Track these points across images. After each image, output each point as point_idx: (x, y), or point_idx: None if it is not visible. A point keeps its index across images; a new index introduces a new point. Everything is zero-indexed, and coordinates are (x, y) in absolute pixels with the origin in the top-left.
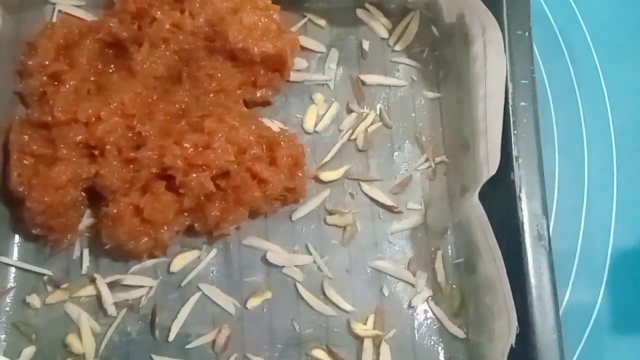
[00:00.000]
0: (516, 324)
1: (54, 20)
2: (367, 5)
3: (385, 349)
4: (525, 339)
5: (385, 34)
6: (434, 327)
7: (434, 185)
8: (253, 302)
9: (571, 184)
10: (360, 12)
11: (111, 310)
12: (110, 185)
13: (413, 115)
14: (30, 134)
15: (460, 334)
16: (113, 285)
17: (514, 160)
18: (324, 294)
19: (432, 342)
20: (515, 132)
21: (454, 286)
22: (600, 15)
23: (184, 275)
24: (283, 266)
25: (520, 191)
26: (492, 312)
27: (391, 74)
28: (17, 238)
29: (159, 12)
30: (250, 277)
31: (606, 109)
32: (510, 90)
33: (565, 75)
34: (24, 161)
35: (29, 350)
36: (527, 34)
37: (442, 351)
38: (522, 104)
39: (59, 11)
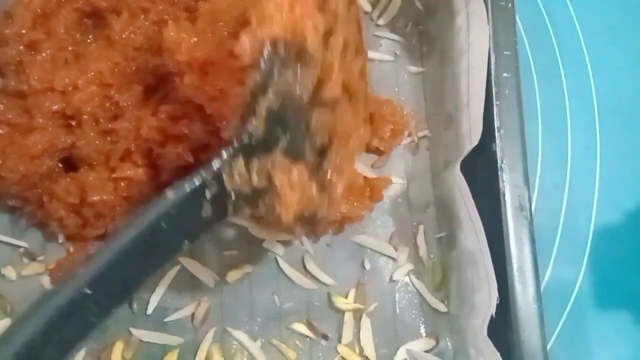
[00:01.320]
0: (496, 294)
1: None
2: None
3: (366, 323)
4: (506, 309)
5: (368, 8)
6: (415, 301)
7: (416, 160)
8: (233, 276)
9: (554, 160)
10: None
11: None
12: (86, 157)
13: (396, 89)
14: (6, 103)
15: (442, 307)
16: None
17: (496, 131)
18: (305, 268)
19: (413, 316)
20: (497, 103)
21: (436, 260)
22: None
23: None
24: (264, 240)
25: (502, 162)
26: (472, 285)
27: (374, 49)
28: None
29: None
30: (230, 250)
31: (590, 85)
32: (492, 61)
33: (549, 50)
34: None
35: (4, 323)
36: (510, 5)
37: (423, 325)
38: (505, 75)
39: None
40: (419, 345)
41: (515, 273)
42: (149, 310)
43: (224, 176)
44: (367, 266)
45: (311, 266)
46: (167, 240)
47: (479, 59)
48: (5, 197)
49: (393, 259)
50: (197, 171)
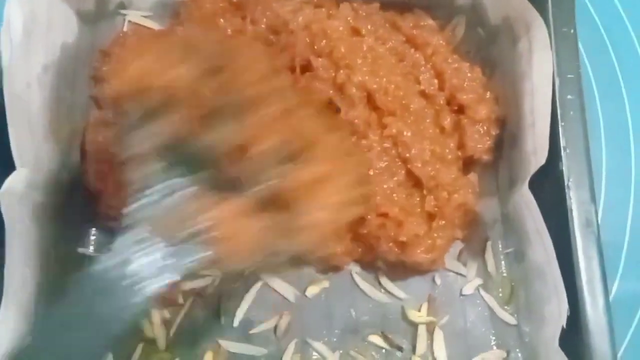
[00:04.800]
0: (567, 306)
1: (125, 29)
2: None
3: (439, 335)
4: (577, 321)
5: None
6: (485, 314)
7: (483, 178)
8: (312, 291)
9: (618, 177)
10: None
11: (179, 298)
12: None
13: None
14: (105, 134)
15: (511, 320)
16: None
17: (562, 150)
18: (379, 283)
19: (484, 329)
20: (562, 124)
21: (504, 275)
22: None
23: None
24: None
25: (568, 180)
26: (542, 298)
27: None
28: (93, 231)
29: (221, 20)
30: (309, 266)
31: None
32: (557, 85)
33: (610, 71)
34: (100, 159)
35: None
36: (572, 31)
37: (494, 337)
38: (569, 97)
39: (129, 21)
40: (491, 357)
41: (585, 286)
42: (235, 323)
43: None
44: (438, 281)
45: (385, 281)
46: None
47: (543, 82)
48: (106, 220)
49: (462, 275)
50: None
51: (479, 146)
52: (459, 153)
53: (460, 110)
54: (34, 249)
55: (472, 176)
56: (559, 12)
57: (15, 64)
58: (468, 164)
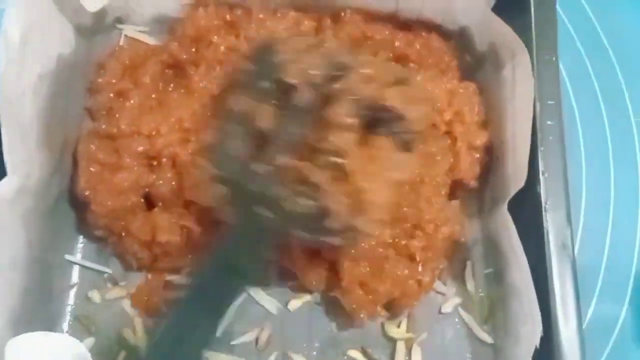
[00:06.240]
0: (540, 327)
1: (121, 44)
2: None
3: (416, 351)
4: (549, 340)
5: None
6: (463, 332)
7: (466, 201)
8: (294, 304)
9: (597, 202)
10: None
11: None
12: (162, 196)
13: None
14: (98, 144)
15: (488, 339)
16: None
17: (541, 174)
18: None
19: (461, 347)
20: (542, 148)
21: (483, 294)
22: (625, 39)
23: None
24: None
25: (546, 203)
26: (517, 318)
27: None
28: (81, 239)
29: (215, 37)
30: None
31: (632, 130)
32: (537, 110)
33: (593, 97)
34: (91, 169)
35: (89, 341)
36: (554, 58)
37: (470, 355)
38: (549, 122)
39: (126, 36)
40: None
41: (559, 307)
42: (218, 333)
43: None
44: None
45: None
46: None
47: (524, 108)
48: (93, 228)
49: (442, 293)
50: None
51: (469, 172)
52: (447, 178)
53: (455, 135)
54: (22, 255)
55: (454, 202)
56: (542, 40)
57: (10, 72)
58: (454, 189)
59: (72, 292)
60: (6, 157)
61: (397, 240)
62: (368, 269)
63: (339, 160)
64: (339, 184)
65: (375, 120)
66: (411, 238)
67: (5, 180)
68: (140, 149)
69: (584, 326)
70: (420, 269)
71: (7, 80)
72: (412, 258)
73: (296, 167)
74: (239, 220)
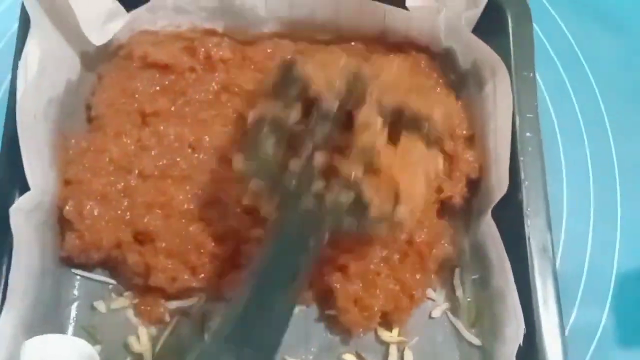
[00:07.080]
0: (523, 326)
1: None
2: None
3: (408, 355)
4: (532, 338)
5: None
6: (452, 335)
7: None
8: None
9: (578, 211)
10: None
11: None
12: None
13: None
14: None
15: (476, 341)
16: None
17: (522, 183)
18: None
19: (451, 349)
20: (522, 158)
21: (470, 299)
22: (601, 56)
23: None
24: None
25: (527, 209)
26: (502, 320)
27: None
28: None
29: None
30: None
31: (609, 140)
32: (517, 123)
33: (571, 111)
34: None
35: (96, 349)
36: (531, 74)
37: (459, 357)
38: (528, 134)
39: None
40: None
41: (541, 306)
42: None
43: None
44: None
45: None
46: None
47: (505, 121)
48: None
49: (432, 299)
50: None
51: (457, 188)
52: (437, 196)
53: (446, 151)
54: (36, 264)
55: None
56: (520, 58)
57: (27, 97)
58: (443, 206)
59: (79, 303)
60: (27, 174)
61: (388, 257)
62: (361, 284)
63: (372, 156)
64: (375, 177)
65: (401, 124)
66: (404, 256)
67: (26, 194)
68: None
69: (566, 332)
70: (412, 284)
71: (24, 105)
72: (404, 275)
73: (333, 162)
74: (281, 215)
